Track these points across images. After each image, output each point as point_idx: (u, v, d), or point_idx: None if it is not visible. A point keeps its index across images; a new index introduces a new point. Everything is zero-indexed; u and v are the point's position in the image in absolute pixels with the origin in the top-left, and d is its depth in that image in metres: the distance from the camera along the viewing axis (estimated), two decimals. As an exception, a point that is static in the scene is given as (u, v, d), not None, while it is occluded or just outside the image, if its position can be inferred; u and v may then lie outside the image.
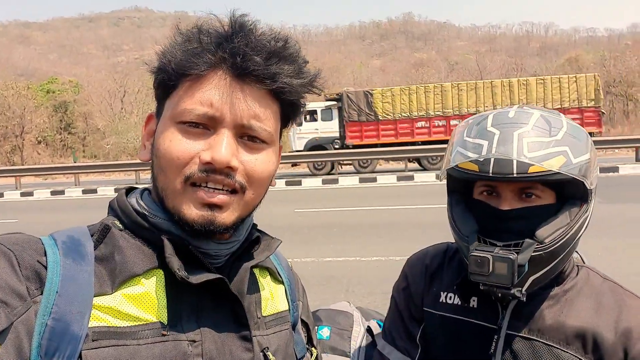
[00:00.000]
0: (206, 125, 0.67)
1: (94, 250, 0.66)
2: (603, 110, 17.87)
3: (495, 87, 18.13)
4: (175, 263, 0.65)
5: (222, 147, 0.66)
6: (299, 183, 15.69)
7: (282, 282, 0.86)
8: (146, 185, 0.78)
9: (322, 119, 19.54)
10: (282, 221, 8.39)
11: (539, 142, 0.88)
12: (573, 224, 0.90)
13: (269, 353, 0.73)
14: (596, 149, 0.95)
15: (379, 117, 18.51)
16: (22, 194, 16.96)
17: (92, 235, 0.68)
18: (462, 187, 1.03)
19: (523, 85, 17.96)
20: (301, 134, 19.41)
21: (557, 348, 0.92)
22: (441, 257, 1.12)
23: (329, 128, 18.96)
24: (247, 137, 0.69)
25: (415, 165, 18.75)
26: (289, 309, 0.84)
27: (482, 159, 0.89)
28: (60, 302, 0.59)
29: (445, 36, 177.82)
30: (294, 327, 0.85)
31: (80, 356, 0.58)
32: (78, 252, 0.64)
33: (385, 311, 1.28)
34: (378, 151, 17.12)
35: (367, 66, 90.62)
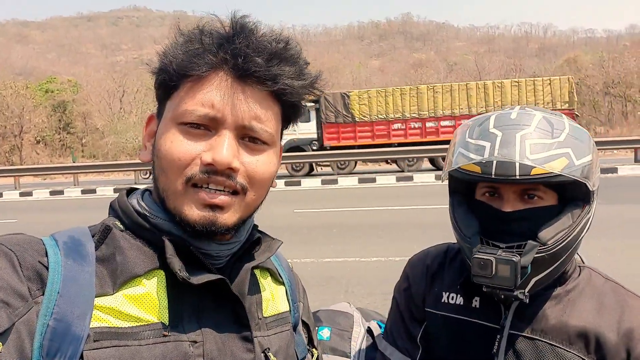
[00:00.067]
0: (207, 127, 0.68)
1: (95, 250, 0.66)
2: (577, 113, 18.09)
3: (470, 90, 18.31)
4: (176, 264, 0.65)
5: (224, 148, 0.66)
6: (299, 183, 15.69)
7: (283, 283, 0.86)
8: (147, 186, 0.78)
9: (300, 121, 19.59)
10: (281, 221, 8.39)
11: (542, 144, 0.88)
12: (575, 225, 0.90)
13: (270, 354, 0.73)
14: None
15: (356, 118, 18.66)
16: (21, 194, 16.93)
17: (93, 236, 0.68)
18: (464, 188, 1.03)
19: (498, 87, 18.16)
20: None
21: (561, 348, 0.92)
22: (442, 257, 1.13)
23: (307, 129, 19.05)
24: (248, 138, 0.70)
25: (411, 166, 18.81)
26: (290, 310, 0.84)
27: (484, 161, 0.89)
28: (62, 302, 0.59)
29: (444, 37, 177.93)
30: (294, 328, 0.85)
31: (81, 356, 0.58)
32: (79, 252, 0.65)
33: (385, 312, 1.28)
34: (356, 152, 17.32)
35: (366, 66, 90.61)
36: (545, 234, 0.89)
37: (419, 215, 8.80)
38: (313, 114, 19.18)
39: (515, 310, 0.97)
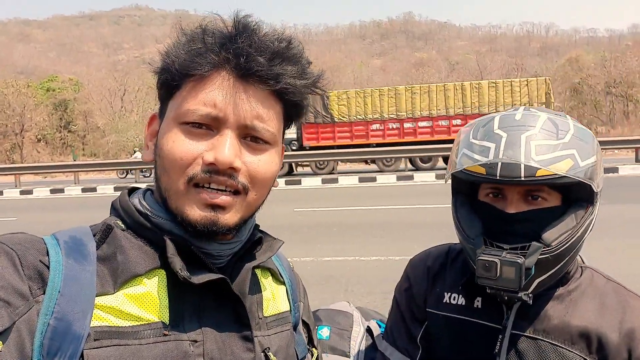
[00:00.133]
0: (209, 126, 0.68)
1: (96, 250, 0.66)
2: None
3: (448, 91, 18.42)
4: (177, 263, 0.66)
5: (225, 147, 0.66)
6: (299, 182, 15.70)
7: (284, 283, 0.86)
8: (149, 185, 0.78)
9: None
10: (281, 220, 8.39)
11: (547, 145, 0.88)
12: (579, 226, 0.90)
13: (270, 353, 0.73)
14: (597, 149, 0.95)
15: (335, 119, 18.76)
16: (22, 192, 16.95)
17: (94, 235, 0.68)
18: (467, 188, 1.03)
19: (475, 88, 18.26)
20: None
21: (563, 348, 0.92)
22: (443, 258, 1.12)
23: (286, 130, 19.26)
24: (250, 137, 0.70)
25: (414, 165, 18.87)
26: (290, 310, 0.84)
27: (489, 163, 0.89)
28: (63, 301, 0.59)
29: (445, 36, 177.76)
30: (295, 327, 0.85)
31: (82, 356, 0.58)
32: (80, 252, 0.65)
33: (385, 311, 1.28)
34: (335, 152, 17.47)
35: (367, 65, 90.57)
36: (549, 235, 0.89)
37: (419, 214, 8.80)
38: (293, 114, 19.52)
39: (517, 310, 0.96)
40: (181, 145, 0.67)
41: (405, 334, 1.10)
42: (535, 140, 0.88)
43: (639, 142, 15.71)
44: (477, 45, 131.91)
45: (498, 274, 0.87)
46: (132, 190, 0.77)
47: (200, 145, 0.67)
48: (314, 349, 0.89)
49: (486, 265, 0.88)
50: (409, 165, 18.16)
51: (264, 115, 0.69)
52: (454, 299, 1.04)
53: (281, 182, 15.43)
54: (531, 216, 0.91)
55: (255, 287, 0.78)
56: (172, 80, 0.70)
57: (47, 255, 0.62)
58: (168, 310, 0.66)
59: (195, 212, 0.67)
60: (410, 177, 15.46)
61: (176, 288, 0.67)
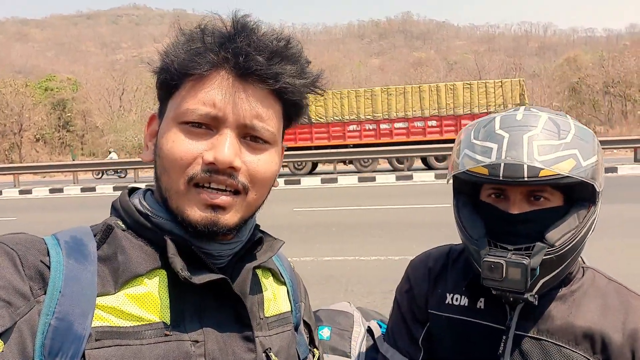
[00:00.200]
0: (209, 126, 0.67)
1: (97, 250, 0.66)
2: None
3: (423, 92, 18.55)
4: (178, 263, 0.65)
5: (225, 147, 0.66)
6: (298, 182, 15.70)
7: (285, 283, 0.86)
8: (148, 185, 0.78)
9: None
10: (281, 220, 8.39)
11: (549, 145, 0.88)
12: (582, 226, 0.90)
13: (271, 354, 0.73)
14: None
15: (312, 120, 18.80)
16: (21, 192, 16.93)
17: (95, 235, 0.68)
18: (468, 188, 1.02)
19: (450, 90, 18.38)
20: None
21: (567, 348, 0.92)
22: (444, 259, 1.12)
23: None
24: (249, 137, 0.69)
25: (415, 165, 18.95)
26: (292, 310, 0.84)
27: (493, 164, 0.88)
28: (64, 301, 0.59)
29: (444, 35, 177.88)
30: (296, 328, 0.85)
31: (83, 356, 0.58)
32: (81, 252, 0.64)
33: (385, 311, 1.28)
34: (313, 153, 17.64)
35: (366, 65, 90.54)
36: (553, 235, 0.89)
37: (418, 214, 8.80)
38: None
39: (521, 311, 0.96)
40: (181, 144, 0.67)
41: (406, 336, 1.09)
42: (537, 140, 0.88)
43: (637, 142, 15.73)
44: (476, 44, 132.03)
45: (504, 276, 0.87)
46: (132, 191, 0.77)
47: (200, 144, 0.67)
48: (315, 350, 0.89)
49: (492, 266, 0.88)
50: (388, 166, 18.37)
51: (264, 114, 0.69)
52: (457, 300, 1.04)
53: (280, 181, 15.43)
54: (534, 217, 0.91)
55: (256, 288, 0.78)
56: (171, 80, 0.69)
57: (48, 255, 0.62)
58: (169, 311, 0.66)
59: (195, 213, 0.67)
60: (410, 177, 15.47)
61: (177, 288, 0.67)
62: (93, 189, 16.60)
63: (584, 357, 0.91)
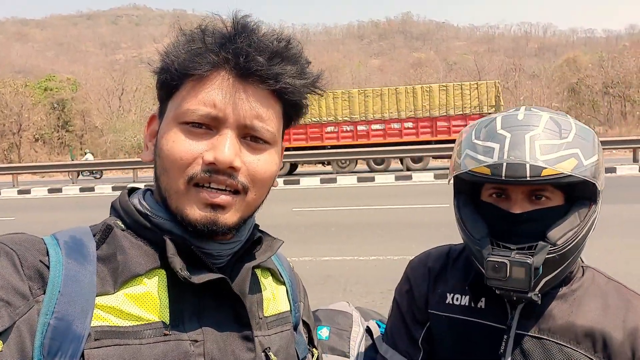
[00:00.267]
0: (209, 126, 0.68)
1: (96, 250, 0.66)
2: None
3: (399, 94, 18.71)
4: (177, 263, 0.66)
5: (225, 147, 0.66)
6: (297, 182, 15.70)
7: (284, 283, 0.86)
8: (147, 185, 0.78)
9: None
10: (280, 220, 8.39)
11: (551, 144, 0.88)
12: (583, 225, 0.91)
13: (270, 353, 0.73)
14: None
15: None
16: (19, 192, 16.92)
17: (94, 235, 0.68)
18: (468, 188, 1.02)
19: (426, 92, 18.54)
20: None
21: (568, 347, 0.92)
22: (444, 259, 1.12)
23: None
24: (249, 137, 0.70)
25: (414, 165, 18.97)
26: (291, 310, 0.84)
27: (496, 164, 0.88)
28: (63, 301, 0.59)
29: (443, 36, 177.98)
30: (295, 328, 0.85)
31: (82, 355, 0.58)
32: (80, 252, 0.64)
33: (384, 311, 1.28)
34: (291, 154, 17.69)
35: (365, 66, 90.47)
36: (555, 233, 0.89)
37: (417, 214, 8.81)
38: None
39: (522, 310, 0.96)
40: (181, 145, 0.67)
41: (406, 336, 1.09)
42: (539, 139, 0.88)
43: (636, 142, 15.75)
44: (475, 45, 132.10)
45: (508, 275, 0.87)
46: (132, 191, 0.77)
47: (200, 145, 0.67)
48: (314, 349, 0.89)
49: (496, 266, 0.88)
50: (365, 167, 18.51)
51: (264, 114, 0.69)
52: (457, 300, 1.04)
53: (280, 181, 15.43)
54: (536, 216, 0.92)
55: (256, 287, 0.78)
56: (171, 80, 0.70)
57: (47, 255, 0.62)
58: (168, 310, 0.66)
59: (195, 212, 0.67)
60: (409, 177, 15.47)
61: (176, 288, 0.67)
62: (92, 189, 16.59)
63: (585, 356, 0.91)
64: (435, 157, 17.39)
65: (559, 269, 0.91)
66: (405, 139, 18.34)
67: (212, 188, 0.67)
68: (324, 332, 1.15)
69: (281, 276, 0.86)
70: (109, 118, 45.48)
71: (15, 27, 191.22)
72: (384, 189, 13.62)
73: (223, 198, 0.67)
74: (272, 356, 0.73)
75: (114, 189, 16.16)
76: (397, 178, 15.50)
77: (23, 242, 0.62)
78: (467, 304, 1.03)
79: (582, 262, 1.05)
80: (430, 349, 1.07)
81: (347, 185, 14.90)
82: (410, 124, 18.46)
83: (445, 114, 18.17)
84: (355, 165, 18.46)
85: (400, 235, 7.09)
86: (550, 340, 0.94)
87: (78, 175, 22.92)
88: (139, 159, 15.99)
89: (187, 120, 0.67)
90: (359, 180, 15.54)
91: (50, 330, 0.58)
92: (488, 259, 0.89)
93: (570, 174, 0.86)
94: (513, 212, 0.93)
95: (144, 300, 0.65)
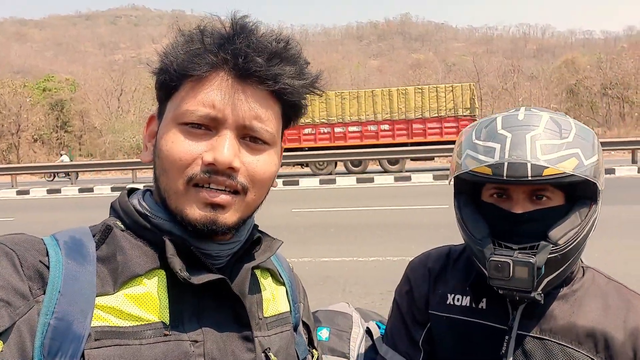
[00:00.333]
0: (208, 127, 0.68)
1: (96, 250, 0.66)
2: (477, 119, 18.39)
3: (375, 96, 18.78)
4: (176, 263, 0.66)
5: (225, 148, 0.66)
6: (297, 183, 15.70)
7: (283, 284, 0.86)
8: (147, 185, 0.78)
9: None
10: (279, 221, 8.39)
11: (551, 144, 0.88)
12: (584, 224, 0.91)
13: (270, 354, 0.73)
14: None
15: None
16: (18, 192, 16.89)
17: (94, 236, 0.68)
18: (469, 188, 1.02)
19: (402, 94, 18.60)
20: None
21: (570, 348, 0.92)
22: (444, 259, 1.12)
23: None
24: (249, 138, 0.70)
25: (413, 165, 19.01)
26: (290, 310, 0.84)
27: (497, 164, 0.89)
28: (63, 301, 0.59)
29: (442, 37, 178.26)
30: (295, 328, 0.85)
31: (82, 355, 0.58)
32: (80, 252, 0.65)
33: (384, 312, 1.28)
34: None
35: (364, 66, 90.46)
36: (557, 233, 0.89)
37: (416, 215, 8.81)
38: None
39: (523, 311, 0.97)
40: (180, 145, 0.67)
41: (406, 337, 1.09)
42: (540, 139, 0.88)
43: (635, 144, 15.77)
44: (474, 46, 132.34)
45: (511, 275, 0.87)
46: (131, 191, 0.77)
47: (200, 145, 0.67)
48: (314, 350, 0.89)
49: (498, 265, 0.88)
50: (343, 169, 18.62)
51: (263, 115, 0.69)
52: (458, 300, 1.04)
53: (279, 182, 15.43)
54: (538, 216, 0.92)
55: (255, 288, 0.78)
56: (170, 81, 0.70)
57: (47, 255, 0.62)
58: (168, 311, 0.66)
59: (195, 212, 0.67)
60: (408, 178, 15.48)
61: (176, 288, 0.67)
62: (91, 190, 16.57)
63: (587, 356, 0.91)
64: (413, 159, 17.40)
65: (561, 269, 0.91)
66: (382, 141, 18.47)
67: (212, 188, 0.67)
68: (323, 333, 1.15)
69: (281, 277, 0.86)
70: (108, 118, 45.42)
71: (14, 27, 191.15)
72: (383, 189, 13.62)
73: (223, 198, 0.67)
74: (272, 356, 0.73)
75: (113, 189, 16.15)
76: (396, 179, 15.51)
77: (23, 242, 0.62)
78: (468, 304, 1.02)
79: (582, 262, 1.05)
80: (430, 350, 1.07)
81: (347, 186, 14.90)
82: (386, 126, 18.59)
83: (420, 116, 18.29)
84: (335, 167, 18.60)
85: (399, 236, 7.09)
86: (551, 341, 0.94)
87: (53, 178, 22.88)
88: (138, 160, 16.02)
89: (186, 121, 0.67)
90: (358, 181, 15.54)
91: (51, 330, 0.58)
92: (491, 258, 0.89)
93: (571, 173, 0.87)
94: (514, 212, 0.93)
95: (144, 300, 0.65)
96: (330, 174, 17.94)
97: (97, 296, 0.62)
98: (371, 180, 15.55)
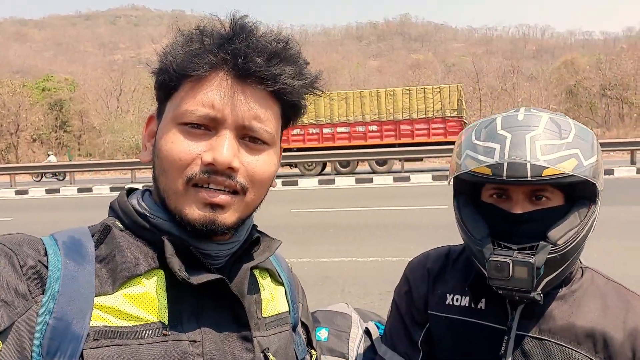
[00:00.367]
0: (208, 127, 0.68)
1: (95, 250, 0.66)
2: (465, 121, 18.66)
3: (364, 98, 18.89)
4: (175, 263, 0.65)
5: (224, 148, 0.66)
6: (296, 183, 15.70)
7: (282, 284, 0.86)
8: (146, 186, 0.78)
9: None
10: (278, 221, 8.39)
11: (551, 144, 0.88)
12: (583, 224, 0.91)
13: (269, 354, 0.73)
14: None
15: None
16: (17, 192, 16.88)
17: (92, 236, 0.68)
18: (468, 189, 1.03)
19: (390, 95, 18.68)
20: None
21: (569, 348, 0.93)
22: (443, 260, 1.12)
23: None
24: (248, 138, 0.70)
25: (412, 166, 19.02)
26: (289, 311, 0.84)
27: (497, 164, 0.89)
28: (62, 301, 0.59)
29: (442, 38, 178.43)
30: (294, 328, 0.85)
31: (81, 355, 0.58)
32: (79, 252, 0.64)
33: (382, 312, 1.28)
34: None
35: (364, 67, 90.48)
36: (556, 233, 0.89)
37: (415, 215, 8.81)
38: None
39: (522, 311, 0.97)
40: (180, 145, 0.67)
41: (405, 338, 1.09)
42: (539, 140, 0.89)
43: (634, 145, 15.79)
44: (473, 47, 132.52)
45: (510, 275, 0.87)
46: (130, 191, 0.77)
47: (199, 145, 0.67)
48: (313, 351, 0.89)
49: (498, 265, 0.88)
50: (332, 170, 18.70)
51: (262, 115, 0.69)
52: (457, 301, 1.04)
53: (278, 182, 15.43)
54: (537, 216, 0.92)
55: (254, 288, 0.78)
56: (170, 81, 0.70)
57: (46, 255, 0.62)
58: (167, 311, 0.66)
59: (194, 212, 0.67)
60: (407, 179, 15.49)
61: (175, 288, 0.67)
62: (90, 190, 16.56)
63: (586, 356, 0.92)
64: (401, 160, 17.44)
65: (560, 269, 0.92)
66: (370, 142, 18.53)
67: (211, 188, 0.67)
68: (322, 334, 1.15)
69: (280, 277, 0.86)
70: (107, 118, 45.40)
71: (13, 27, 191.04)
72: (382, 190, 13.63)
73: (222, 198, 0.67)
74: (271, 357, 0.73)
75: (112, 189, 16.14)
76: (395, 179, 15.52)
77: (21, 242, 0.62)
78: (467, 304, 1.03)
79: (581, 263, 1.05)
80: (429, 350, 1.07)
81: (346, 187, 14.90)
82: (374, 127, 18.65)
83: (408, 117, 18.35)
84: (324, 168, 18.67)
85: (398, 236, 7.09)
86: (551, 341, 0.94)
87: (41, 178, 22.86)
88: (137, 160, 16.02)
89: (186, 121, 0.67)
90: (358, 181, 15.55)
91: (49, 330, 0.58)
92: (491, 258, 0.89)
93: (571, 173, 0.87)
94: (514, 213, 0.93)
95: (143, 300, 0.65)
96: (319, 174, 18.01)
97: (96, 296, 0.62)
98: (370, 180, 15.56)
